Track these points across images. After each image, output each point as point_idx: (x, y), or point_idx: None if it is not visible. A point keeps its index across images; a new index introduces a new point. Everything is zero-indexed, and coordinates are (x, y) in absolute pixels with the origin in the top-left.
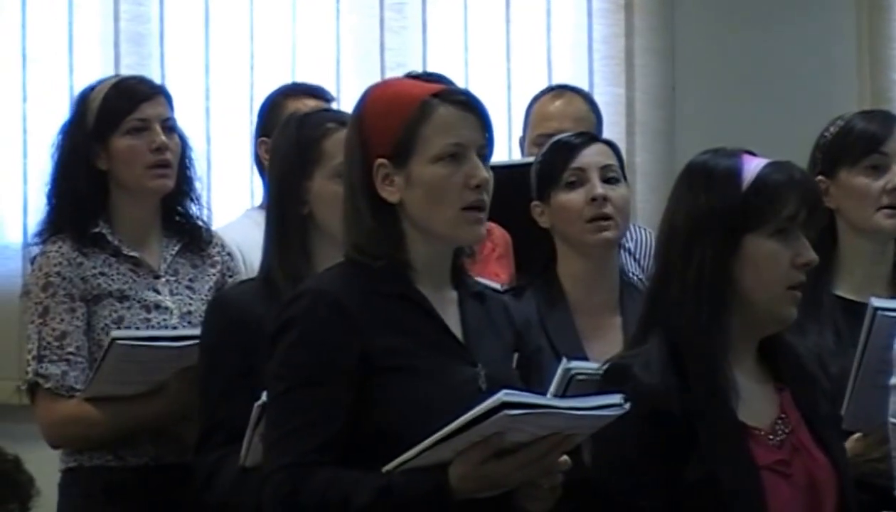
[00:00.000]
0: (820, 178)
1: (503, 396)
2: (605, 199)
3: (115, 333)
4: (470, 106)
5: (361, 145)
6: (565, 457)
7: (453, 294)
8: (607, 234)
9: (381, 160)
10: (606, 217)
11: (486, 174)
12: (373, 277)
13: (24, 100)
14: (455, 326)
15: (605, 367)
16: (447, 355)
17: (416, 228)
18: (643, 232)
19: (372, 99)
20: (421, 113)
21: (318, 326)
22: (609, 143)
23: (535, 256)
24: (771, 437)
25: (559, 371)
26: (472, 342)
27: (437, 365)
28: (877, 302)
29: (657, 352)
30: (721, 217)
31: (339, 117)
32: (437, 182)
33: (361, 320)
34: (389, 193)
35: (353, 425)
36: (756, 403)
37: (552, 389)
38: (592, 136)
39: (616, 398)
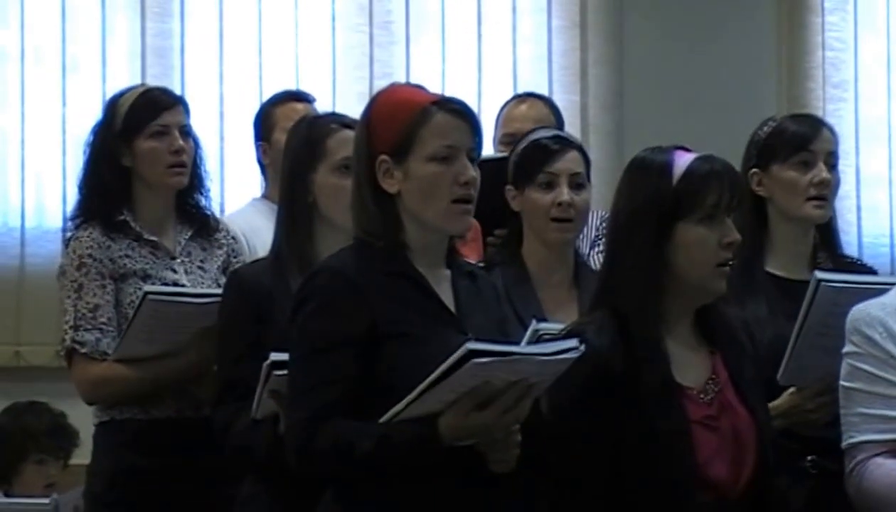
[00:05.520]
0: (754, 170)
1: (470, 345)
2: (569, 205)
3: (147, 288)
4: (464, 114)
5: (368, 142)
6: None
7: (447, 272)
8: (567, 235)
9: (383, 156)
10: (568, 220)
11: (474, 173)
12: (378, 257)
13: (64, 105)
14: (448, 300)
15: (565, 330)
16: (441, 324)
17: (412, 216)
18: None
19: (379, 102)
20: (421, 117)
21: (332, 300)
22: (581, 151)
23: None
24: (702, 395)
25: (529, 331)
26: (463, 313)
27: (432, 333)
28: (820, 274)
29: (608, 320)
30: (655, 207)
31: (342, 120)
32: (430, 178)
33: (369, 295)
34: (389, 185)
35: (362, 384)
36: (690, 365)
37: (522, 344)
38: (569, 142)
39: (572, 342)
